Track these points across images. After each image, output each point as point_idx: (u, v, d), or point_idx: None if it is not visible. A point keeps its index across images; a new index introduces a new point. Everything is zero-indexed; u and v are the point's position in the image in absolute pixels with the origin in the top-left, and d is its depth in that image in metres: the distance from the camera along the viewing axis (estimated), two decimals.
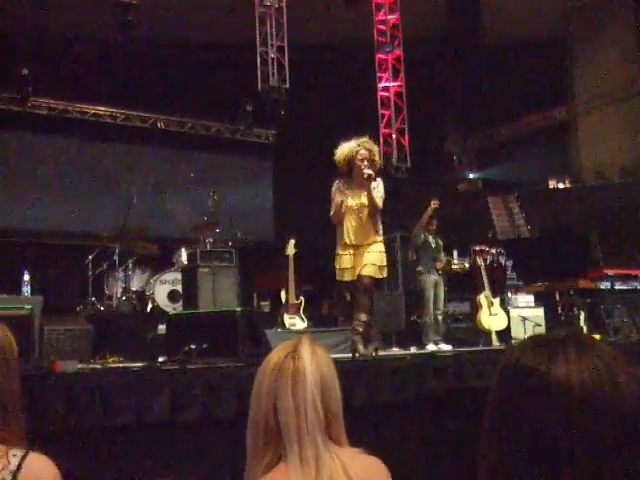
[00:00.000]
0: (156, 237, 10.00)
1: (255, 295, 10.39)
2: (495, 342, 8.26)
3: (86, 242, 10.07)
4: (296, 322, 8.58)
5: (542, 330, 8.23)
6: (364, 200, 5.82)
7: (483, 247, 9.40)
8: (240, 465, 1.80)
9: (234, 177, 13.86)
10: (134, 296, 9.00)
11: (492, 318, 8.49)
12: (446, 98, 15.43)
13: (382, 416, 4.72)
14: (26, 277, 8.91)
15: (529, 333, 8.04)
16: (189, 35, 13.02)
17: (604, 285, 9.03)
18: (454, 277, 9.36)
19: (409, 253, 9.18)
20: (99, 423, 3.69)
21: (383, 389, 4.72)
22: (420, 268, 8.40)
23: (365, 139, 5.92)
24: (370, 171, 5.70)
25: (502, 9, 14.22)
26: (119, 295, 8.96)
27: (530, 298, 9.29)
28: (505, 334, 8.44)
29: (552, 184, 15.30)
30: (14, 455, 1.62)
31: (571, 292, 9.06)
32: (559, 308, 9.15)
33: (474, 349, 7.84)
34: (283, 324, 8.49)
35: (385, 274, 5.99)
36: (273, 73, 11.89)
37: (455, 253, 9.88)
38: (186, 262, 8.74)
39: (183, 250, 9.01)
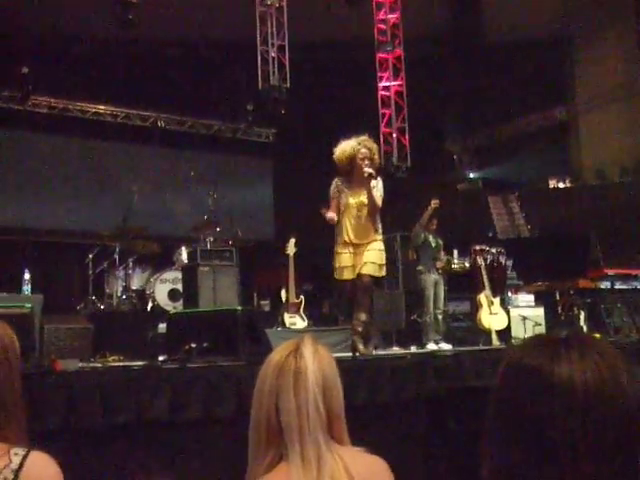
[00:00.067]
0: (156, 236, 9.99)
1: (255, 294, 10.40)
2: (495, 341, 8.26)
3: (86, 241, 10.08)
4: (296, 321, 8.58)
5: (542, 330, 8.23)
6: (364, 199, 5.82)
7: (483, 246, 9.40)
8: (241, 464, 1.80)
9: (234, 176, 13.86)
10: (134, 295, 8.99)
11: (492, 317, 8.49)
12: (446, 97, 15.44)
13: (382, 415, 4.72)
14: (27, 276, 8.90)
15: (529, 333, 8.04)
16: (189, 34, 13.03)
17: (604, 285, 9.04)
18: (454, 276, 9.36)
19: (409, 252, 9.19)
20: (99, 422, 3.69)
21: (383, 388, 4.72)
22: (420, 267, 8.41)
23: (365, 137, 5.92)
24: (371, 170, 5.71)
25: (503, 8, 14.24)
26: (119, 294, 8.95)
27: (530, 297, 9.30)
28: (505, 334, 8.44)
29: (552, 184, 15.33)
30: (16, 454, 1.62)
31: (571, 292, 9.08)
32: (559, 308, 9.16)
33: (474, 348, 7.84)
34: (283, 323, 8.49)
35: (384, 273, 6.00)
36: (274, 72, 11.89)
37: (455, 252, 9.89)
38: (186, 261, 8.73)
39: (183, 249, 9.00)
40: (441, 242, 8.61)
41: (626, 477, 1.05)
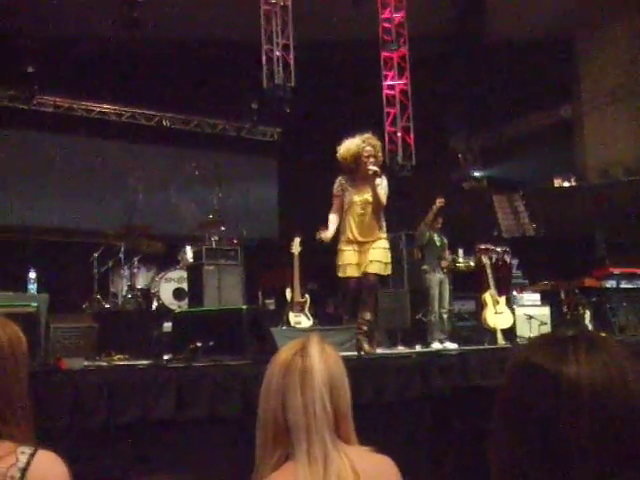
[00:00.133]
0: (161, 235, 9.99)
1: (260, 293, 10.39)
2: (500, 341, 8.25)
3: (92, 240, 10.08)
4: (301, 320, 8.58)
5: (547, 329, 8.22)
6: (368, 196, 5.82)
7: (488, 245, 9.40)
8: (247, 463, 1.80)
9: (239, 175, 13.83)
10: (139, 294, 9.00)
11: (497, 316, 8.48)
12: (451, 96, 15.40)
13: (387, 414, 4.72)
14: (32, 275, 8.92)
15: (534, 332, 8.04)
16: (194, 33, 13.02)
17: (610, 284, 9.03)
18: (459, 275, 9.36)
19: (414, 251, 9.18)
20: (105, 421, 3.69)
21: (388, 387, 4.72)
22: (425, 266, 8.40)
23: (369, 135, 5.92)
24: (376, 168, 5.71)
25: (508, 8, 14.20)
26: (124, 293, 8.97)
27: (536, 296, 9.28)
28: (510, 333, 8.44)
29: (557, 182, 15.28)
30: (22, 452, 1.62)
31: (577, 291, 9.06)
32: (565, 307, 9.14)
33: (479, 347, 7.84)
34: (288, 322, 8.49)
35: (390, 271, 6.00)
36: (278, 71, 11.88)
37: (460, 251, 9.87)
38: (191, 260, 8.74)
39: (188, 248, 9.00)
40: (446, 241, 8.61)
41: (633, 477, 1.04)
